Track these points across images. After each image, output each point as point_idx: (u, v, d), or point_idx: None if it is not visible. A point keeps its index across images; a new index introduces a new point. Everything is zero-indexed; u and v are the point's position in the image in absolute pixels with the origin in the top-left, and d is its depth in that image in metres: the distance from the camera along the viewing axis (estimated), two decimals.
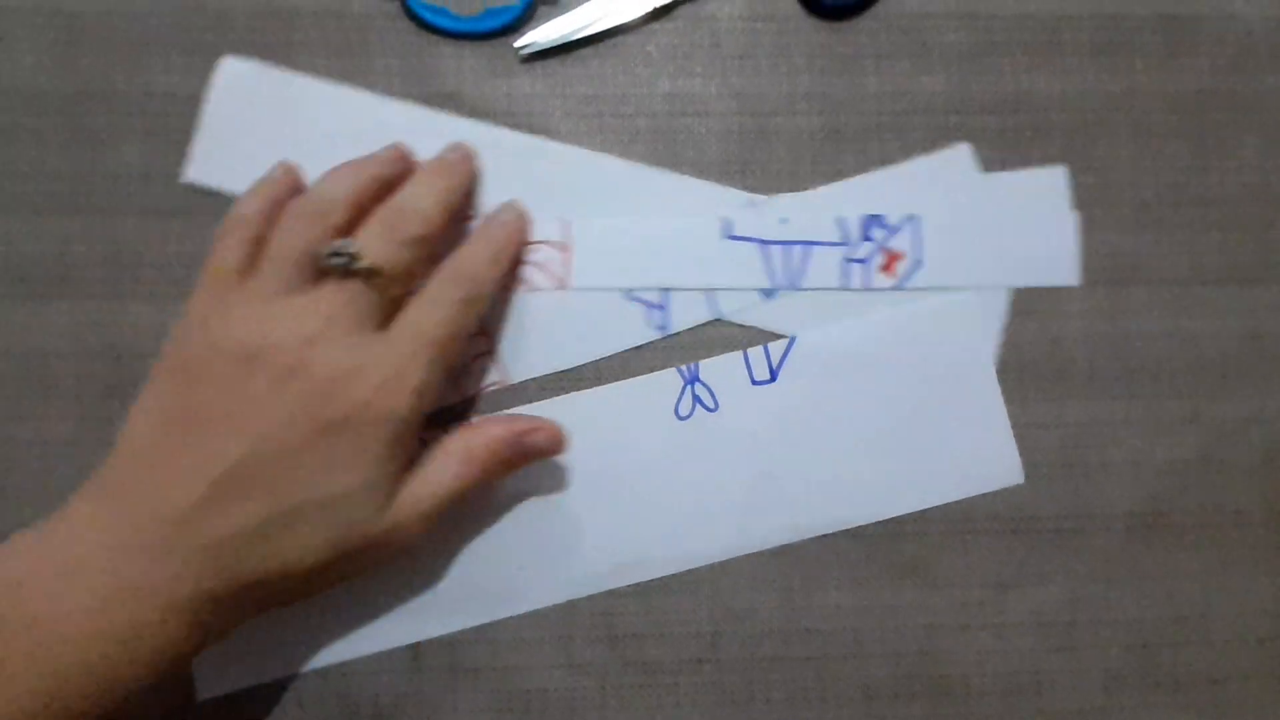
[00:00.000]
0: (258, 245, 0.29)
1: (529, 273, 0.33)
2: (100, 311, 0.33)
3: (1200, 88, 0.36)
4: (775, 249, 0.33)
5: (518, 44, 0.34)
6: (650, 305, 0.33)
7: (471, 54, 0.34)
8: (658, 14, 0.34)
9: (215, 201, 0.33)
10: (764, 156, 0.34)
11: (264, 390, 0.27)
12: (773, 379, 0.33)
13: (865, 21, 0.35)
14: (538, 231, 0.33)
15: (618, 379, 0.33)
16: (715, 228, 0.33)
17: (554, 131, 0.34)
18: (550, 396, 0.33)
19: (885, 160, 0.34)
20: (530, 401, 0.33)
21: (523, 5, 0.34)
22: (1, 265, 0.33)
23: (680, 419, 0.33)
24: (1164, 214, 0.35)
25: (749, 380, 0.33)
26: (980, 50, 0.35)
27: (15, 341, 0.33)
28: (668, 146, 0.34)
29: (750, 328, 0.34)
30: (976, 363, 0.33)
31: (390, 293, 0.29)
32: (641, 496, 0.33)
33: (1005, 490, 0.33)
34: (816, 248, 0.33)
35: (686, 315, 0.33)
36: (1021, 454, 0.34)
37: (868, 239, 0.34)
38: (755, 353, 0.33)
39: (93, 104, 0.33)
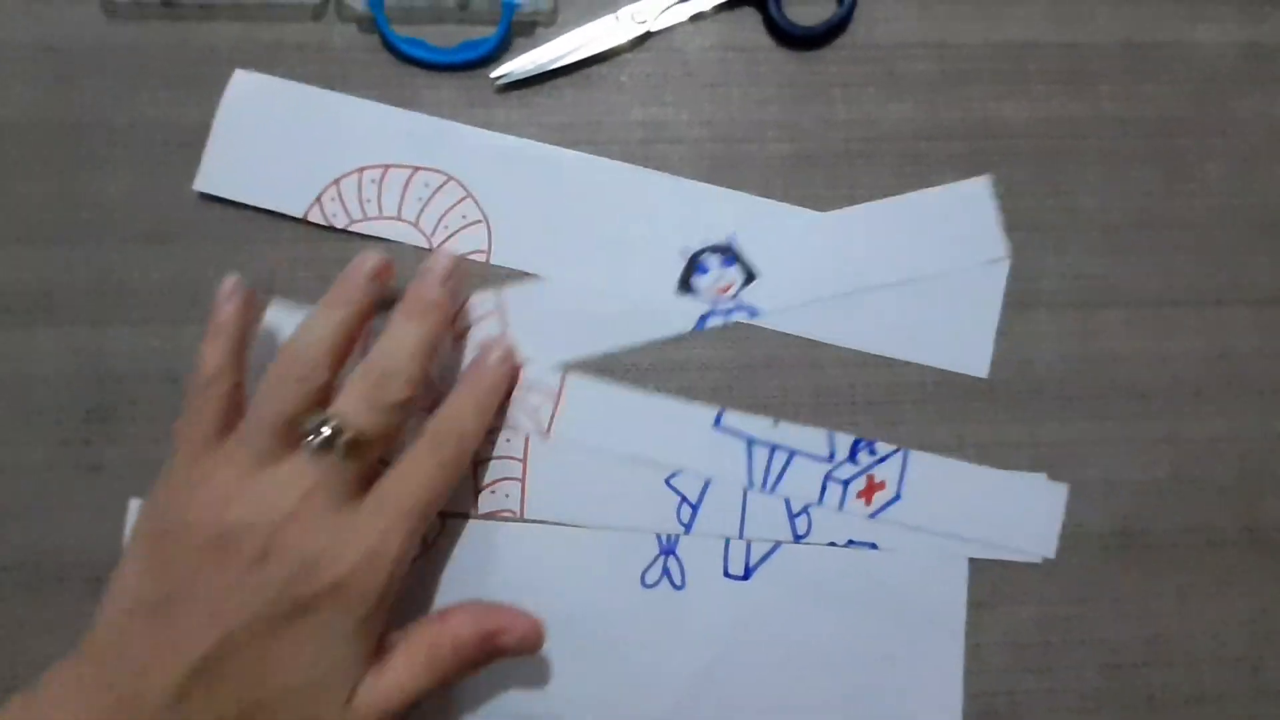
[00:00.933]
0: (230, 399, 0.29)
1: (515, 412, 0.33)
2: (83, 338, 0.33)
3: (1165, 113, 0.36)
4: (760, 450, 0.33)
5: (494, 75, 0.35)
6: (684, 499, 0.33)
7: (449, 85, 0.35)
8: (631, 45, 0.35)
9: (197, 228, 0.34)
10: (735, 182, 0.35)
11: (237, 576, 0.26)
12: (746, 577, 0.33)
13: (834, 51, 0.36)
14: (534, 379, 0.33)
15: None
16: (708, 415, 0.33)
17: None
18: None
19: (854, 185, 0.35)
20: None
21: (498, 37, 0.34)
22: None
23: (644, 586, 0.32)
24: (1133, 237, 0.35)
25: (722, 570, 0.33)
26: (948, 78, 0.36)
27: (1, 368, 0.33)
28: None
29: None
30: (947, 629, 0.33)
31: (369, 458, 0.28)
32: (586, 649, 0.32)
33: None
34: (800, 458, 0.33)
35: (715, 524, 0.33)
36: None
37: (852, 460, 0.33)
38: (736, 546, 0.33)
39: (80, 135, 0.34)
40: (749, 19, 0.36)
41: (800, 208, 0.35)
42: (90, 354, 0.33)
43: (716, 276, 0.34)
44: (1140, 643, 0.33)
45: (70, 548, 0.32)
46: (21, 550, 0.32)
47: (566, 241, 0.34)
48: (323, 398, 0.28)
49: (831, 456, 0.33)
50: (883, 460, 0.34)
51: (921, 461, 0.34)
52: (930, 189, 0.35)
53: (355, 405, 0.28)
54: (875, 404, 0.34)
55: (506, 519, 0.33)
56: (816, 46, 0.35)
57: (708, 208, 0.34)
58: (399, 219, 0.34)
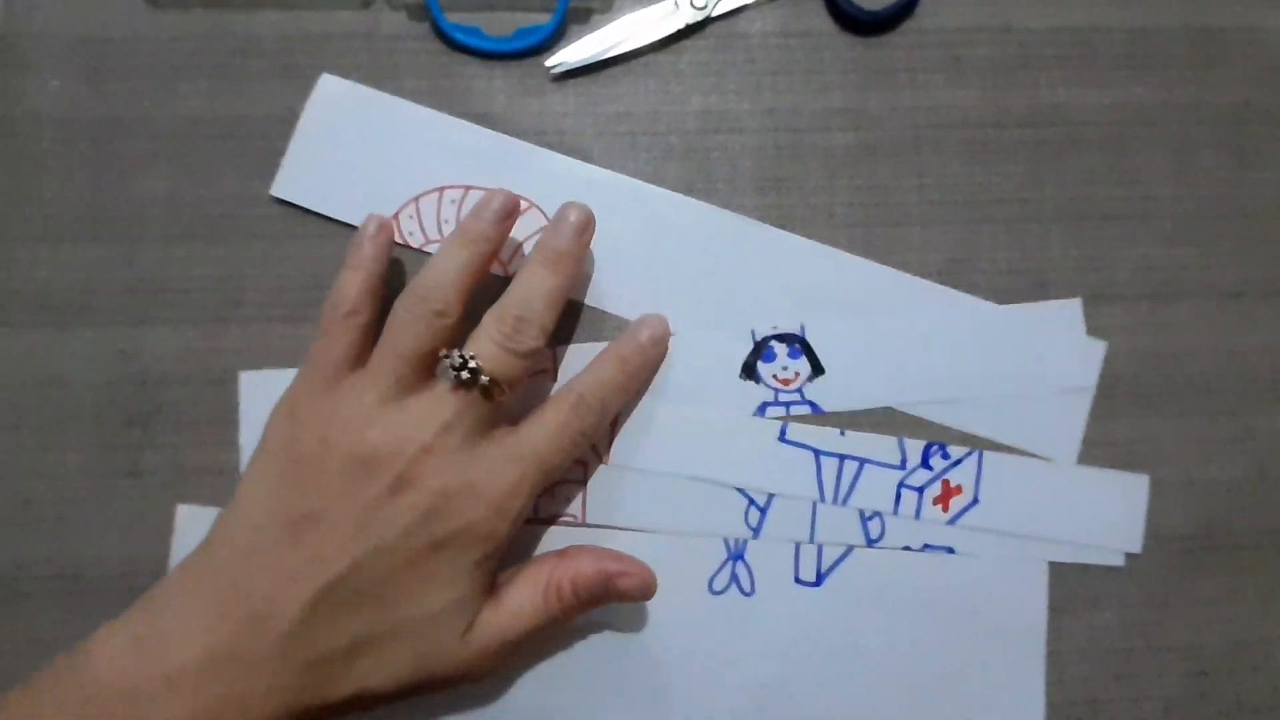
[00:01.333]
0: (365, 332, 0.29)
1: None
2: (122, 339, 0.32)
3: (1235, 99, 0.35)
4: (829, 461, 0.32)
5: (549, 63, 0.33)
6: (752, 503, 0.32)
7: (502, 74, 0.34)
8: (689, 31, 0.34)
9: (239, 225, 0.33)
10: (798, 173, 0.34)
11: (377, 499, 0.27)
12: (818, 583, 0.32)
13: (898, 36, 0.34)
14: None
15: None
16: (772, 429, 0.32)
17: (585, 150, 0.33)
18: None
19: (921, 174, 0.34)
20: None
21: (554, 25, 0.33)
22: (25, 292, 0.32)
23: (712, 593, 0.31)
24: (1206, 227, 0.34)
25: (793, 577, 0.32)
26: (1014, 64, 0.35)
27: (38, 369, 0.32)
28: (700, 164, 0.34)
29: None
30: (1028, 636, 0.32)
31: (501, 401, 0.28)
32: (651, 657, 0.31)
33: None
34: (871, 466, 0.32)
35: (784, 528, 0.32)
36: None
37: (926, 466, 0.32)
38: (807, 551, 0.32)
39: (119, 130, 0.33)
40: (812, 4, 0.35)
41: (882, 315, 0.33)
42: (129, 356, 0.32)
43: (782, 366, 0.32)
44: (1224, 648, 0.32)
45: (110, 555, 0.31)
46: (61, 557, 0.31)
47: (645, 283, 0.33)
48: (454, 334, 0.28)
49: (904, 463, 0.32)
50: (957, 464, 0.32)
51: (997, 462, 0.32)
52: (1020, 305, 0.33)
53: (490, 348, 0.28)
54: (947, 406, 0.33)
55: (567, 523, 0.32)
56: (881, 32, 0.34)
57: (807, 267, 0.33)
58: None
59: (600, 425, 0.30)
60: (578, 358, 0.32)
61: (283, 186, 0.33)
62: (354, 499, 0.27)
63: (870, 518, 0.32)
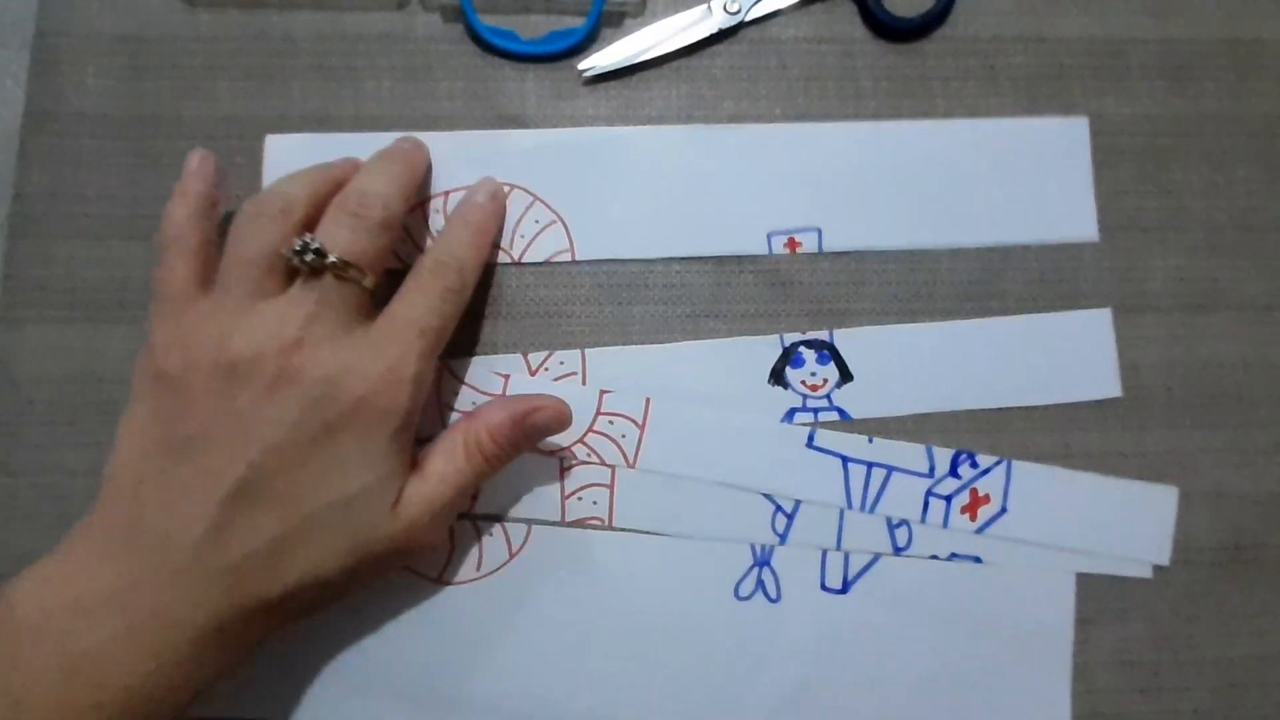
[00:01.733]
0: (203, 254, 0.28)
1: (598, 444, 0.32)
2: None
3: (1271, 112, 0.35)
4: (857, 468, 0.32)
5: (581, 66, 0.34)
6: (779, 508, 0.32)
7: (535, 76, 0.34)
8: (722, 36, 0.34)
9: None
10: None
11: (255, 401, 0.26)
12: (844, 590, 0.32)
13: (932, 44, 0.34)
14: (617, 405, 0.32)
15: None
16: (800, 435, 0.32)
17: None
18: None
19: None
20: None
21: (587, 28, 0.33)
22: (61, 288, 0.32)
23: (738, 599, 0.31)
24: (1239, 239, 0.34)
25: (819, 583, 0.32)
26: (1048, 73, 0.35)
27: (73, 365, 0.32)
28: None
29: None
30: (1055, 647, 0.32)
31: (363, 284, 0.28)
32: (676, 663, 0.31)
33: None
34: (899, 474, 0.32)
35: (811, 534, 0.32)
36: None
37: (954, 475, 0.32)
38: (834, 557, 0.32)
39: (157, 128, 0.33)
40: (845, 10, 0.35)
41: (910, 324, 0.33)
42: None
43: (810, 372, 0.32)
44: (1253, 662, 0.32)
45: None
46: None
47: (650, 223, 0.33)
48: (301, 231, 0.28)
49: (932, 471, 0.32)
50: (986, 473, 0.32)
51: (1026, 472, 0.32)
52: (1049, 314, 0.33)
53: (336, 229, 0.28)
54: (977, 414, 0.33)
55: (594, 527, 0.32)
56: (914, 39, 0.34)
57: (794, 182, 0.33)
58: None
59: (464, 283, 0.29)
60: (604, 360, 0.32)
61: None
62: (232, 409, 0.26)
63: (898, 525, 0.32)
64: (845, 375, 0.32)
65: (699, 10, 0.34)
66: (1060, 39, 0.35)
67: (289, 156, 0.33)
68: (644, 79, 0.34)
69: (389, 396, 0.27)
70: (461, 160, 0.33)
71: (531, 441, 0.30)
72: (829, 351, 0.33)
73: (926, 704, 0.31)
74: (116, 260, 0.33)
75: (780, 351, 0.33)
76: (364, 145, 0.32)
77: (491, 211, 0.32)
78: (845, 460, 0.32)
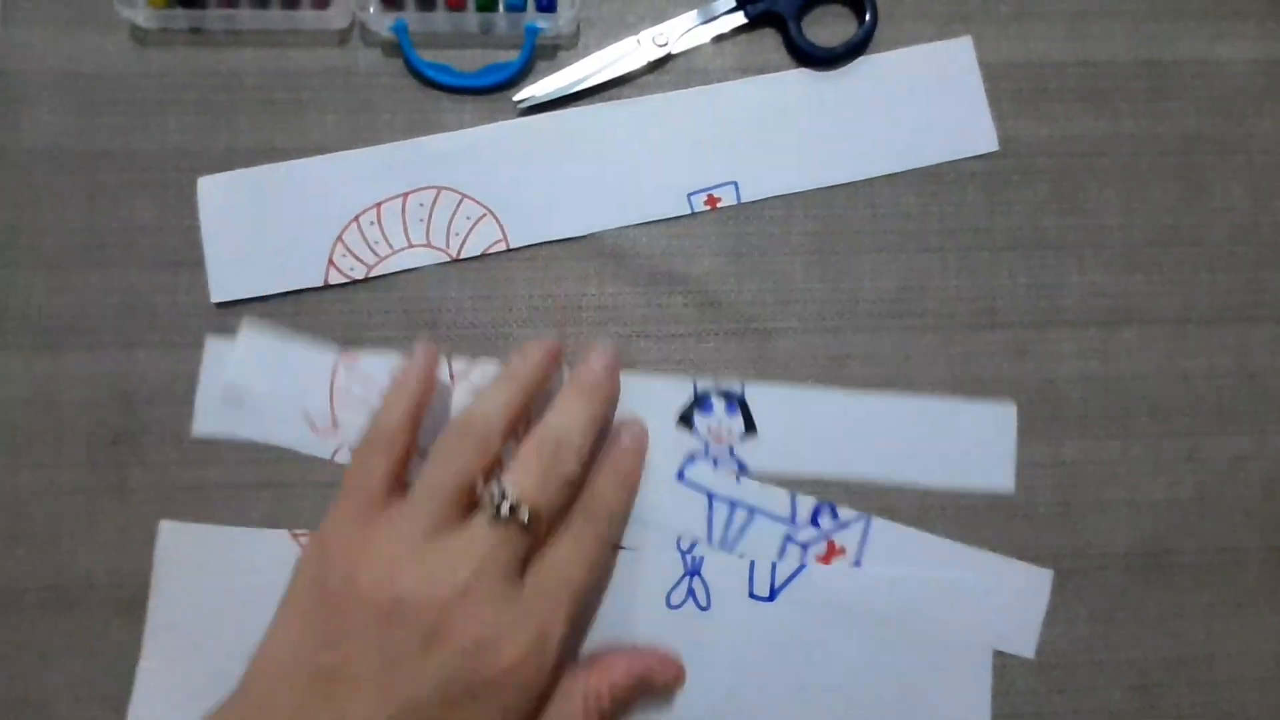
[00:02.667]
0: (403, 461, 0.29)
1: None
2: (111, 361, 0.34)
3: (1185, 131, 0.36)
4: (720, 505, 0.33)
5: (517, 98, 0.35)
6: (685, 554, 0.33)
7: (472, 108, 0.35)
8: (651, 67, 0.35)
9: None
10: (756, 203, 0.35)
11: (409, 650, 0.26)
12: (771, 598, 0.33)
13: (854, 68, 0.36)
14: None
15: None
16: (671, 468, 0.33)
17: None
18: None
19: (875, 204, 0.35)
20: None
21: (522, 61, 0.35)
22: (20, 317, 0.34)
23: (670, 607, 0.32)
24: (1154, 255, 0.35)
25: (748, 591, 0.33)
26: None
27: (33, 391, 0.33)
28: None
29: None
30: (975, 651, 0.33)
31: (541, 533, 0.28)
32: None
33: (1004, 528, 0.33)
34: (760, 517, 0.33)
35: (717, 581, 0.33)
36: (1019, 493, 0.34)
37: (815, 524, 0.33)
38: (762, 566, 0.33)
39: (109, 162, 0.35)
40: (769, 40, 0.36)
41: (822, 390, 0.34)
42: (118, 377, 0.34)
43: (717, 420, 0.33)
44: (1168, 664, 0.33)
45: (99, 570, 0.33)
46: (50, 571, 0.33)
47: (575, 201, 0.34)
48: (495, 468, 0.28)
49: (793, 518, 0.33)
50: (845, 526, 0.33)
51: (884, 529, 0.33)
52: (955, 400, 0.34)
53: (531, 478, 0.28)
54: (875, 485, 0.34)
55: None
56: (835, 66, 0.36)
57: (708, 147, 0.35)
58: (410, 246, 0.34)
59: (615, 533, 0.30)
60: None
61: (219, 291, 0.34)
62: (385, 651, 0.25)
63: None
64: (750, 428, 0.34)
65: (629, 42, 0.35)
66: (979, 63, 0.36)
67: (223, 195, 0.34)
68: (577, 109, 0.35)
69: (534, 667, 0.27)
70: (388, 168, 0.34)
71: (647, 696, 0.30)
72: (738, 404, 0.34)
73: (853, 707, 0.32)
74: (73, 289, 0.34)
75: (692, 397, 0.34)
76: (293, 173, 0.33)
77: (639, 453, 0.32)
78: (711, 497, 0.33)
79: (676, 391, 0.34)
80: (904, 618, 0.33)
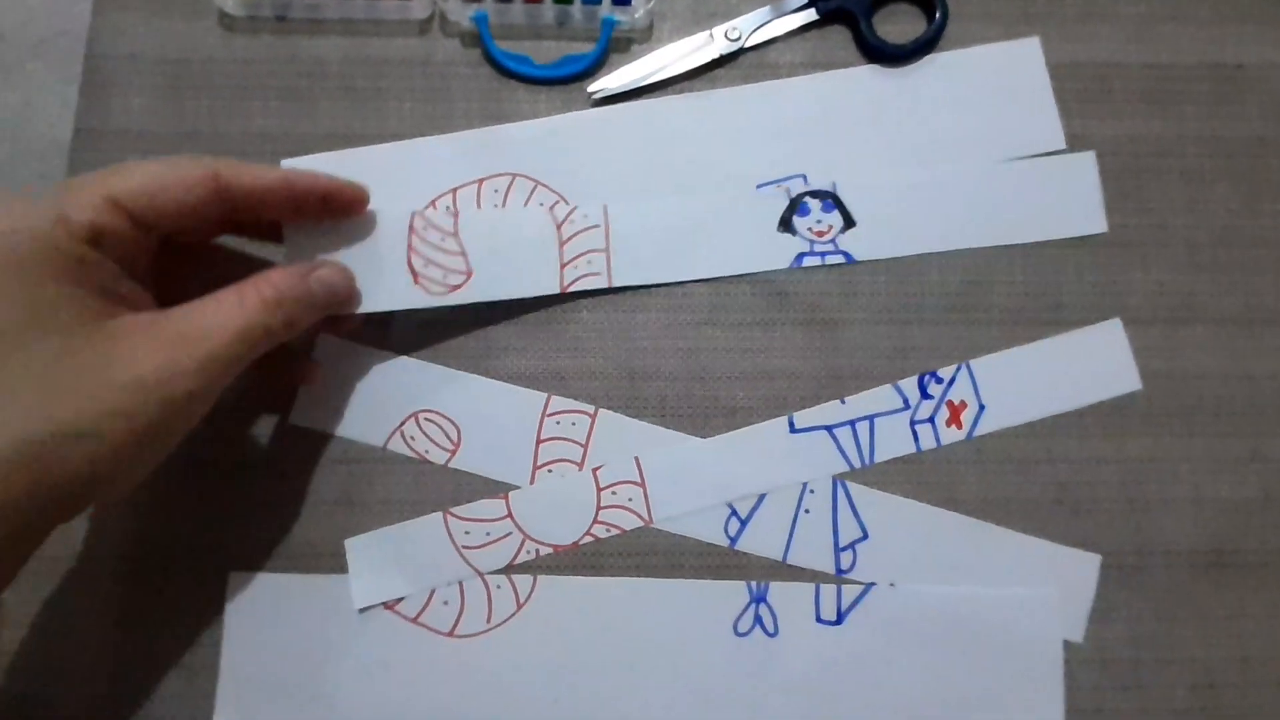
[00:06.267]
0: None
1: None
2: None
3: (1250, 134, 0.36)
4: (843, 430, 0.34)
5: (590, 89, 0.36)
6: (734, 514, 0.33)
7: (546, 98, 0.36)
8: (723, 61, 0.36)
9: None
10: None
11: None
12: (839, 622, 0.32)
13: (922, 66, 0.36)
14: (614, 472, 0.33)
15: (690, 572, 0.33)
16: (781, 425, 0.33)
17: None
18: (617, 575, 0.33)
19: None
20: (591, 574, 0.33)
21: (597, 53, 0.36)
22: None
23: (737, 635, 0.32)
24: (1218, 255, 0.36)
25: (815, 616, 0.32)
26: None
27: None
28: None
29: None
30: (1046, 659, 0.32)
31: None
32: (680, 701, 0.32)
33: (1068, 523, 0.33)
34: (880, 419, 0.34)
35: (757, 542, 0.33)
36: (1082, 489, 0.34)
37: (926, 396, 0.34)
38: (828, 590, 0.32)
39: (196, 144, 0.35)
40: (839, 36, 0.37)
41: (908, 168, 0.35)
42: None
43: (816, 219, 0.34)
44: (1232, 663, 0.33)
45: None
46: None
47: (649, 192, 0.35)
48: None
49: (907, 404, 0.34)
50: (952, 382, 0.34)
51: (987, 365, 0.34)
52: (1038, 158, 0.35)
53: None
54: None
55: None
56: (904, 62, 0.36)
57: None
58: None
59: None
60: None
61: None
62: None
63: (844, 549, 0.33)
64: (849, 221, 0.35)
65: (702, 36, 0.36)
66: (1047, 63, 0.37)
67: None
68: (649, 101, 0.36)
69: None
70: (465, 154, 0.35)
71: (318, 302, 0.29)
72: (833, 200, 0.35)
73: None
74: None
75: (787, 202, 0.35)
76: (372, 158, 0.34)
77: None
78: (830, 429, 0.34)
79: (771, 200, 0.35)
80: (970, 629, 0.32)
